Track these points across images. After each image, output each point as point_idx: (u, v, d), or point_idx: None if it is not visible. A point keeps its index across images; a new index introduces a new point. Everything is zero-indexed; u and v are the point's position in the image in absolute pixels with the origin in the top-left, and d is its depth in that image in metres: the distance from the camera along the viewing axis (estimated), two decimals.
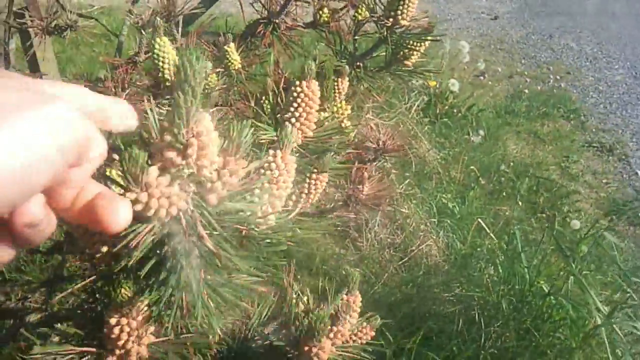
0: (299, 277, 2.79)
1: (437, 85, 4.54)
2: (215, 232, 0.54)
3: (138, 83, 1.20)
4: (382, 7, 1.29)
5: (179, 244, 0.54)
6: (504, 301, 2.53)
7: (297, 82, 0.85)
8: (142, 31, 1.32)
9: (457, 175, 3.78)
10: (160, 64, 1.05)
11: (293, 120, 0.87)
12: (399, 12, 1.24)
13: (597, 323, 2.19)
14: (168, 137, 0.47)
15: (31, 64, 2.49)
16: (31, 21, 1.65)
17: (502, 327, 2.49)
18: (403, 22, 1.25)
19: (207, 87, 1.19)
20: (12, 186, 0.33)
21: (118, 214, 0.43)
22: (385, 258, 3.05)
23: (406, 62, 1.33)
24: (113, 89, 1.22)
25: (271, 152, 0.68)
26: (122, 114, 0.46)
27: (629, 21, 7.09)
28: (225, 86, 1.37)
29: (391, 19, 1.25)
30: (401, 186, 3.36)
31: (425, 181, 3.62)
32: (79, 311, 0.73)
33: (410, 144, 3.72)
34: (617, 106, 5.28)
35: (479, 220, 3.03)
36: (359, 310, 0.97)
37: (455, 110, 4.57)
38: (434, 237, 3.09)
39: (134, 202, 0.47)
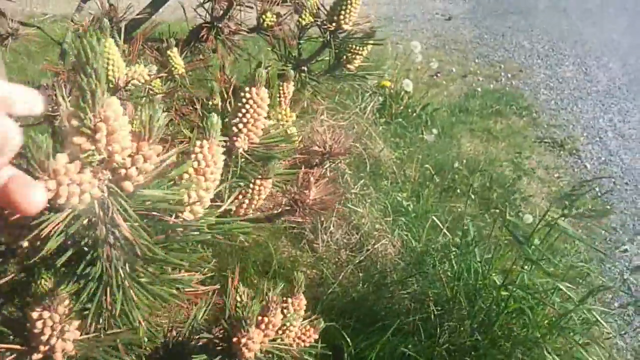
0: (254, 280, 2.79)
1: (392, 86, 4.59)
2: (132, 220, 0.53)
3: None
4: (325, 11, 1.30)
5: (96, 232, 0.54)
6: (458, 296, 2.58)
7: (247, 89, 0.86)
8: (82, 38, 1.31)
9: (412, 174, 3.83)
10: (105, 65, 1.04)
11: (240, 125, 0.88)
12: (341, 16, 1.26)
13: (560, 310, 2.25)
14: (75, 122, 0.47)
15: None
16: None
17: (457, 322, 2.54)
18: (345, 27, 1.27)
19: (150, 91, 1.19)
20: None
21: (31, 196, 0.44)
22: (341, 258, 3.08)
23: (349, 65, 1.36)
24: (54, 97, 1.20)
25: (197, 142, 0.68)
26: (26, 100, 0.47)
27: (579, 18, 7.27)
28: (169, 91, 1.37)
29: (334, 24, 1.27)
30: (356, 186, 3.39)
31: (380, 181, 3.66)
32: (1, 308, 0.71)
33: (365, 145, 3.75)
34: (567, 102, 5.42)
35: (434, 217, 3.07)
36: (302, 312, 0.98)
37: (410, 110, 4.63)
38: (389, 236, 3.13)
39: None
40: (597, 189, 4.17)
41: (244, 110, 0.86)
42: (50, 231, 0.50)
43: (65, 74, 1.35)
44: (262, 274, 2.89)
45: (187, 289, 0.76)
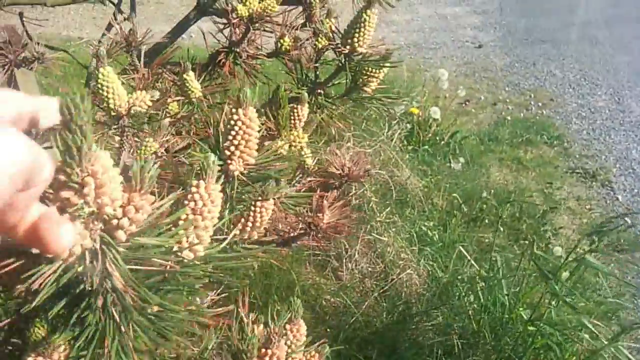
0: (277, 307, 2.75)
1: (420, 113, 4.55)
2: (123, 270, 0.53)
3: (99, 113, 1.19)
4: (340, 35, 1.28)
5: (88, 282, 0.53)
6: (484, 329, 2.50)
7: (234, 110, 0.84)
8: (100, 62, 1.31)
9: (439, 202, 3.77)
10: (105, 94, 1.04)
11: (232, 148, 0.85)
12: (355, 39, 1.23)
13: (588, 347, 2.17)
14: (62, 177, 0.47)
15: None
16: (5, 56, 1.66)
17: (482, 356, 2.46)
18: (360, 49, 1.24)
19: (158, 115, 1.18)
20: None
21: (61, 236, 0.45)
22: (365, 287, 3.02)
23: (366, 88, 1.33)
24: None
25: (194, 182, 0.66)
26: (51, 113, 0.48)
27: (611, 47, 7.17)
28: (186, 115, 1.36)
29: (348, 46, 1.25)
30: (381, 214, 3.34)
31: (407, 209, 3.60)
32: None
33: (392, 172, 3.71)
34: (600, 132, 5.31)
35: (461, 247, 3.01)
36: (303, 339, 0.94)
37: (437, 138, 4.59)
38: (415, 266, 3.07)
39: None
40: (629, 221, 4.04)
41: (233, 133, 0.84)
42: (41, 283, 0.50)
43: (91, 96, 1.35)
44: (285, 300, 2.84)
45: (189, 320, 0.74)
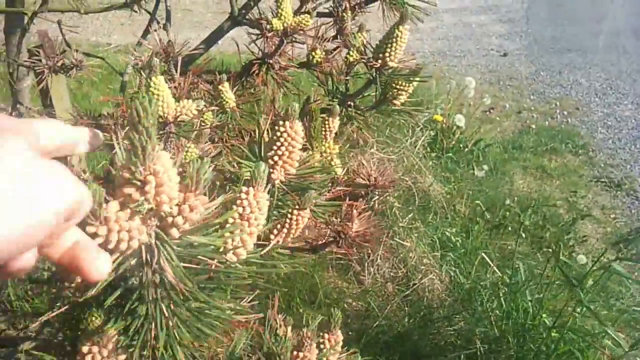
0: (300, 309, 2.81)
1: (444, 121, 4.59)
2: (176, 266, 0.57)
3: None
4: (372, 49, 1.34)
5: (143, 275, 0.57)
6: (507, 335, 2.54)
7: (281, 122, 0.89)
8: (141, 72, 1.38)
9: (462, 209, 3.80)
10: (155, 102, 1.10)
11: (276, 158, 0.91)
12: (387, 54, 1.29)
13: (610, 355, 2.19)
14: (126, 175, 0.51)
15: (44, 101, 2.58)
16: (40, 60, 1.73)
17: None
18: (391, 64, 1.30)
19: (202, 124, 1.24)
20: (14, 246, 0.37)
21: (97, 266, 0.47)
22: (387, 292, 3.07)
23: (395, 101, 1.38)
24: (112, 126, 1.27)
25: (244, 189, 0.71)
26: (88, 140, 0.52)
27: (638, 57, 7.13)
28: (220, 124, 1.43)
29: (380, 61, 1.30)
30: (404, 220, 3.38)
31: (429, 215, 3.64)
32: (55, 340, 0.76)
33: (415, 179, 3.75)
34: (626, 141, 5.29)
35: (483, 254, 3.04)
36: (339, 348, 0.99)
37: (461, 145, 4.61)
38: (437, 271, 3.11)
39: (93, 235, 0.50)
40: None
41: (278, 144, 0.89)
42: None
43: (125, 105, 1.43)
44: (308, 304, 2.90)
45: (227, 319, 0.79)
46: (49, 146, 0.47)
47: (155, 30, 1.73)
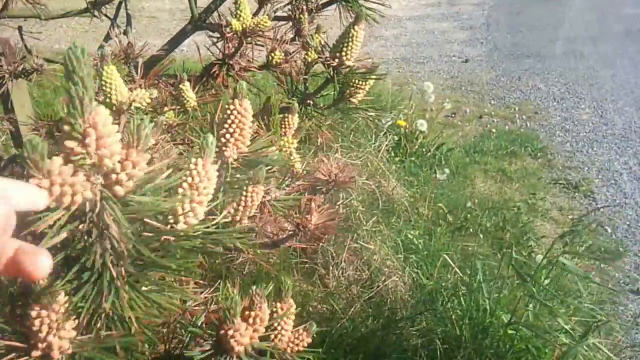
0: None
1: (407, 125, 4.65)
2: (120, 221, 0.57)
3: None
4: (329, 49, 1.37)
5: (88, 233, 0.57)
6: (465, 333, 2.58)
7: (230, 101, 0.91)
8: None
9: (425, 212, 3.86)
10: (107, 89, 1.12)
11: (228, 136, 0.93)
12: (344, 53, 1.32)
13: (564, 349, 2.24)
14: (66, 127, 0.51)
15: (5, 107, 2.55)
16: (0, 66, 1.72)
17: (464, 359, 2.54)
18: (348, 63, 1.33)
19: (156, 116, 1.25)
20: None
21: (40, 265, 0.48)
22: (352, 294, 3.09)
23: (352, 99, 1.41)
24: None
25: (192, 159, 0.73)
26: (25, 197, 0.51)
27: (596, 62, 7.31)
28: (181, 122, 1.44)
29: (336, 60, 1.33)
30: (368, 223, 3.42)
31: (393, 218, 3.68)
32: (6, 306, 0.75)
33: (379, 182, 3.80)
34: (583, 144, 5.42)
35: (445, 256, 3.09)
36: (292, 317, 1.00)
37: (424, 150, 4.68)
38: (400, 273, 3.15)
39: (37, 187, 0.51)
40: (609, 230, 4.15)
41: (229, 121, 0.92)
42: (44, 231, 0.54)
43: None
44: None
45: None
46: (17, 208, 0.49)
47: (116, 36, 1.73)
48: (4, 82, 1.80)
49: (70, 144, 0.52)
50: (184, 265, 0.68)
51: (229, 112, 0.91)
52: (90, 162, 0.54)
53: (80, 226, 0.57)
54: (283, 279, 0.98)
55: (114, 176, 0.56)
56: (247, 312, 0.92)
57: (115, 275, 0.62)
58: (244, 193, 0.96)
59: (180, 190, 0.70)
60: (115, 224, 0.57)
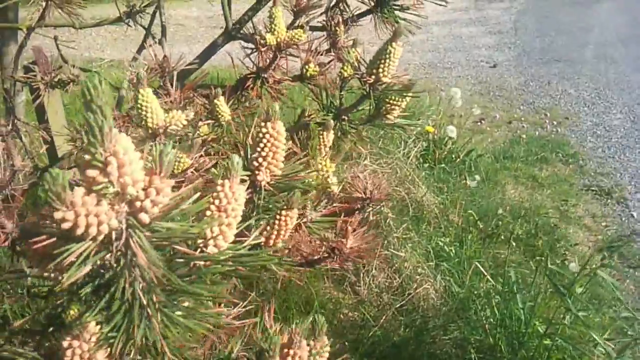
0: (296, 320, 2.83)
1: (435, 132, 4.64)
2: (147, 249, 0.57)
3: (133, 134, 1.28)
4: (365, 64, 1.38)
5: (116, 262, 0.57)
6: (500, 343, 2.57)
7: (263, 124, 0.92)
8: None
9: (455, 219, 3.84)
10: (144, 113, 1.13)
11: (260, 159, 0.94)
12: (381, 70, 1.32)
13: None
14: (87, 157, 0.51)
15: (39, 115, 2.61)
16: (35, 76, 1.75)
17: None
18: (384, 79, 1.34)
19: (194, 135, 1.27)
20: None
21: None
22: (383, 302, 3.09)
23: (388, 115, 1.42)
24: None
25: (219, 181, 0.72)
26: None
27: (627, 66, 7.21)
28: (215, 137, 1.46)
29: (373, 76, 1.34)
30: (398, 230, 3.42)
31: (423, 225, 3.67)
32: (37, 336, 0.76)
33: (408, 189, 3.79)
34: (615, 150, 5.35)
35: (476, 263, 3.07)
36: (326, 355, 0.99)
37: (453, 156, 4.67)
38: (432, 281, 3.14)
39: (61, 220, 0.51)
40: None
41: (262, 145, 0.91)
42: (72, 261, 0.54)
43: (119, 119, 1.46)
44: (305, 315, 2.92)
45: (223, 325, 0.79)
46: None
47: (150, 46, 1.76)
48: (40, 92, 1.84)
49: (91, 172, 0.52)
50: (215, 291, 0.68)
51: (261, 135, 0.91)
52: (114, 190, 0.53)
53: (108, 255, 0.57)
54: (317, 316, 0.95)
55: (138, 204, 0.55)
56: (286, 350, 0.90)
57: (145, 303, 0.62)
58: (278, 217, 0.96)
59: (207, 212, 0.70)
60: (143, 251, 0.57)
